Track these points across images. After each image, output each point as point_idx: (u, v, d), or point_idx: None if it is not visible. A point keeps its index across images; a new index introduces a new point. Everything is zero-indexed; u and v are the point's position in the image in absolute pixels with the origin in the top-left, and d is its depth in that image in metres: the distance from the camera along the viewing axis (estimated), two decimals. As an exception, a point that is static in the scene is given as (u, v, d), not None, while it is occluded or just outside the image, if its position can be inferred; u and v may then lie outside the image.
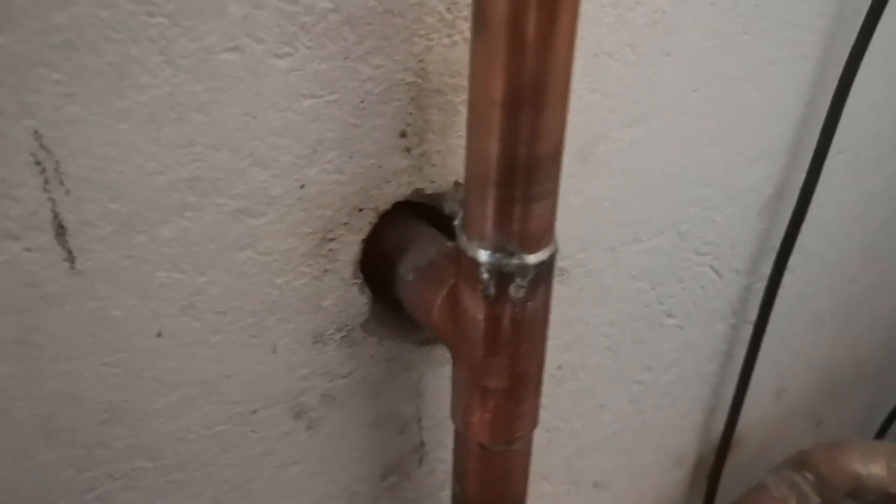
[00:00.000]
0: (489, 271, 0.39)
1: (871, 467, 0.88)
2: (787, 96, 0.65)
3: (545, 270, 0.40)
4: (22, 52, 0.30)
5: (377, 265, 0.48)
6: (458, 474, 0.49)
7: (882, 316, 1.01)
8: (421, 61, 0.41)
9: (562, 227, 0.55)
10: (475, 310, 0.40)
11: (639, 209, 0.59)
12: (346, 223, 0.43)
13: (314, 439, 0.49)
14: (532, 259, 0.39)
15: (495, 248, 0.38)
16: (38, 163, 0.32)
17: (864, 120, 0.74)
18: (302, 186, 0.40)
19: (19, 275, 0.34)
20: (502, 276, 0.39)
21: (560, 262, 0.57)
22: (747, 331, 0.79)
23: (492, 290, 0.39)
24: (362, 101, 0.40)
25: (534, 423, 0.46)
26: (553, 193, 0.39)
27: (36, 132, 0.31)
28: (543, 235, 0.39)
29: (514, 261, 0.39)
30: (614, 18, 0.48)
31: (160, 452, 0.43)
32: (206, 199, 0.37)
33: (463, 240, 0.39)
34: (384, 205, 0.44)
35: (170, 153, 0.35)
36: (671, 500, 0.88)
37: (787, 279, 0.80)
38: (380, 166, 0.42)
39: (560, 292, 0.58)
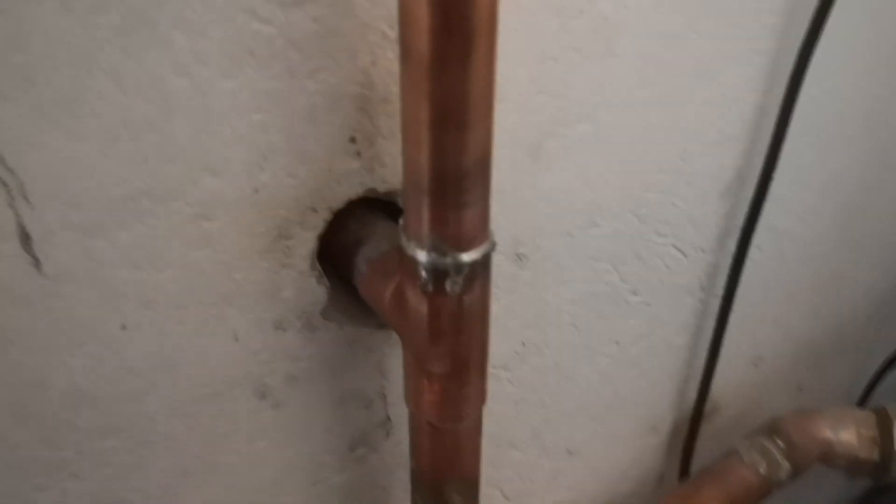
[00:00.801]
0: (427, 269, 0.42)
1: (841, 434, 0.91)
2: (742, 87, 0.67)
3: (479, 267, 0.43)
4: (-17, 88, 0.33)
5: (337, 256, 0.52)
6: (413, 450, 0.53)
7: (860, 289, 1.04)
8: (366, 74, 0.44)
9: (518, 217, 0.58)
10: (417, 303, 0.44)
11: (593, 197, 0.62)
12: (300, 222, 0.46)
13: (280, 416, 0.53)
14: (465, 258, 0.42)
15: (431, 249, 0.42)
16: (2, 181, 0.36)
17: (825, 103, 0.76)
18: (256, 191, 0.44)
19: (-8, 279, 0.38)
20: (438, 274, 0.42)
21: (519, 250, 0.60)
22: (717, 305, 0.82)
23: (430, 286, 0.43)
24: (310, 113, 0.43)
25: (479, 403, 0.50)
26: (482, 199, 0.42)
27: None
28: (476, 236, 0.43)
29: (449, 260, 0.42)
30: (558, 26, 0.51)
31: (129, 432, 0.47)
32: (162, 206, 0.41)
33: (403, 240, 0.43)
34: (337, 203, 0.48)
35: (125, 168, 0.38)
36: (648, 465, 0.92)
37: (757, 255, 0.83)
38: (330, 169, 0.46)
39: (520, 276, 0.62)
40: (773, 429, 0.91)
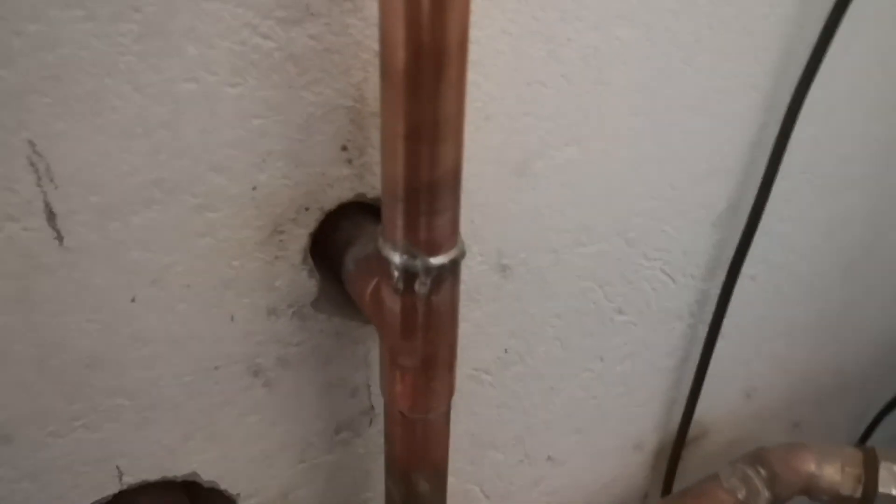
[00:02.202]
0: (399, 270, 0.47)
1: (826, 469, 0.93)
2: (737, 122, 0.71)
3: (448, 271, 0.48)
4: (19, 82, 0.39)
5: (329, 253, 0.57)
6: (387, 437, 0.58)
7: (864, 331, 1.06)
8: (358, 90, 0.49)
9: (502, 230, 0.63)
10: (391, 301, 0.49)
11: (580, 217, 0.66)
12: (294, 219, 0.52)
13: (271, 395, 0.58)
14: (434, 262, 0.47)
15: (403, 252, 0.47)
16: (32, 164, 0.41)
17: (824, 142, 0.80)
18: (254, 188, 0.49)
19: (19, 248, 0.44)
20: (409, 275, 0.47)
21: (503, 261, 0.65)
22: (706, 332, 0.85)
23: (401, 286, 0.48)
24: (306, 121, 0.48)
25: (447, 397, 0.55)
26: (452, 208, 0.47)
27: (30, 141, 0.41)
28: (445, 242, 0.47)
29: (419, 263, 0.47)
30: (546, 53, 0.56)
31: (136, 394, 0.52)
32: (170, 196, 0.46)
33: (380, 242, 0.48)
34: (329, 205, 0.53)
35: (139, 160, 0.44)
36: (631, 482, 0.95)
37: (751, 287, 0.87)
38: (323, 174, 0.51)
39: (503, 286, 0.66)
40: (757, 457, 0.93)
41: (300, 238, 0.53)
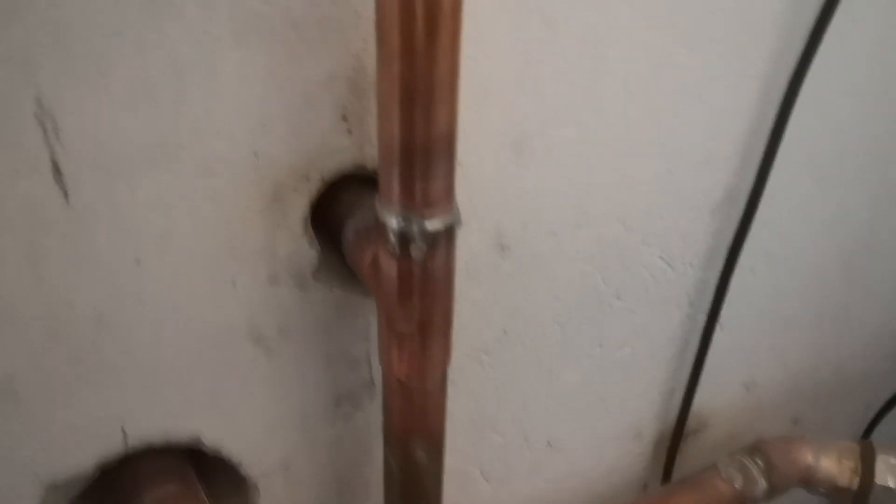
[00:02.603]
0: (395, 234, 0.48)
1: (822, 461, 0.94)
2: (733, 109, 0.72)
3: (443, 236, 0.49)
4: (26, 38, 0.41)
5: (331, 225, 0.58)
6: (385, 406, 0.59)
7: (865, 329, 1.07)
8: (358, 60, 0.51)
9: (501, 209, 0.64)
10: (387, 266, 0.50)
11: (578, 200, 0.67)
12: (294, 188, 0.53)
13: (272, 364, 0.60)
14: (429, 226, 0.48)
15: (400, 216, 0.48)
16: (39, 121, 0.43)
17: (822, 135, 0.80)
18: (255, 155, 0.51)
19: (26, 204, 0.45)
20: (405, 239, 0.48)
21: (502, 241, 0.66)
22: (704, 321, 0.86)
23: (397, 250, 0.49)
24: (306, 90, 0.50)
25: (443, 364, 0.56)
26: (447, 174, 0.48)
27: (37, 99, 0.43)
28: (440, 207, 0.49)
29: (415, 227, 0.48)
30: (545, 32, 0.57)
31: (140, 356, 0.54)
32: (173, 158, 0.48)
33: (378, 207, 0.49)
34: (329, 175, 0.54)
35: (143, 122, 0.46)
36: (631, 470, 0.96)
37: (750, 279, 0.87)
38: (323, 143, 0.53)
39: (502, 266, 0.67)
40: (755, 449, 0.94)
41: (301, 207, 0.54)
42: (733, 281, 0.84)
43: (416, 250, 0.49)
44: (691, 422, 0.98)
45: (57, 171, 0.45)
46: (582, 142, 0.65)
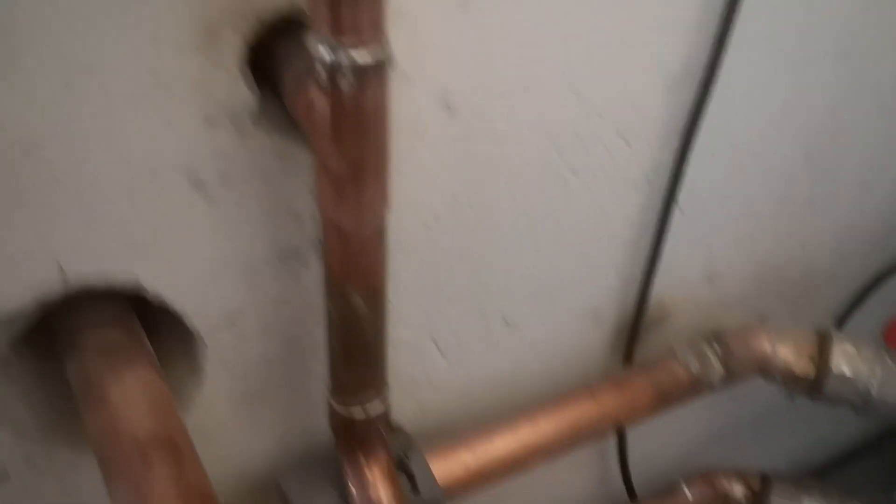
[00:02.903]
0: (323, 66, 0.48)
1: (780, 349, 0.96)
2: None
3: (373, 71, 0.50)
4: None
5: (269, 71, 0.59)
6: (324, 254, 0.59)
7: (831, 223, 1.07)
8: None
9: (446, 66, 0.64)
10: (318, 101, 0.51)
11: (527, 62, 0.67)
12: (230, 26, 0.53)
13: (213, 211, 0.60)
14: (357, 57, 0.48)
15: (329, 47, 0.48)
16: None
17: (785, 12, 0.80)
18: (186, -14, 0.51)
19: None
20: (333, 71, 0.49)
21: (448, 100, 0.66)
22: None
23: (326, 83, 0.49)
24: (237, -80, 0.50)
25: (380, 209, 0.56)
26: (376, 5, 0.48)
27: None
28: (368, 40, 0.48)
29: (343, 57, 0.48)
30: None
31: (75, 189, 0.54)
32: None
33: (308, 40, 0.49)
34: (266, 15, 0.54)
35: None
36: (591, 356, 0.97)
37: (710, 164, 0.88)
38: (257, -21, 0.52)
39: (450, 127, 0.67)
40: (714, 336, 0.96)
41: (236, 46, 0.54)
42: (693, 163, 0.84)
43: (346, 84, 0.49)
44: (654, 311, 0.99)
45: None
46: (526, 3, 0.64)
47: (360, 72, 0.49)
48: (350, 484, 0.72)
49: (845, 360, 0.93)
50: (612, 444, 1.10)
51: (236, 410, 0.73)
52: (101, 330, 0.61)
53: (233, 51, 0.55)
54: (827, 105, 0.92)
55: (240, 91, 0.56)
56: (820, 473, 1.43)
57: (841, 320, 1.18)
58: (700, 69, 0.77)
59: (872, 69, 0.91)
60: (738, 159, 0.89)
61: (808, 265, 1.09)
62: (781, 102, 0.88)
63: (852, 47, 0.88)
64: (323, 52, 0.48)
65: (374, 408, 0.68)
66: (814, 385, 0.95)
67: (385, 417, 0.70)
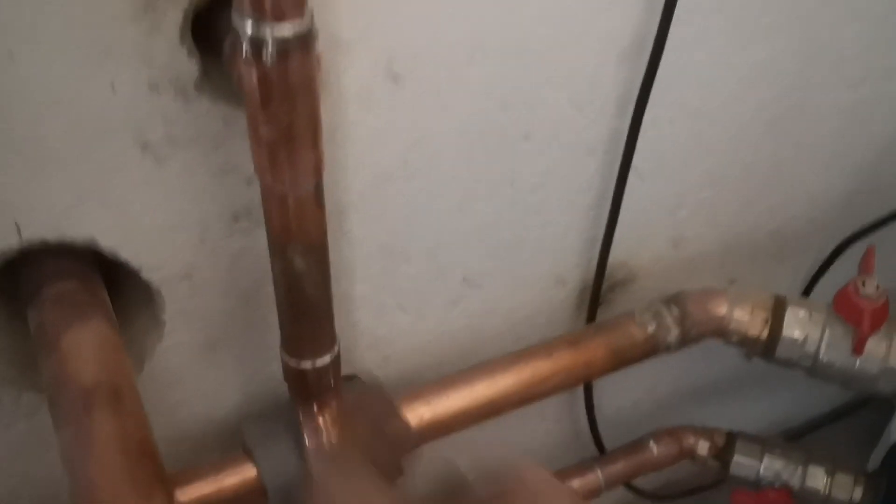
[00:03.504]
0: (246, 40, 0.52)
1: (736, 311, 0.98)
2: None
3: (295, 44, 0.52)
4: None
5: (211, 39, 0.62)
6: (265, 215, 0.63)
7: (798, 190, 1.08)
8: None
9: (390, 33, 0.66)
10: (245, 72, 0.54)
11: (471, 28, 0.70)
12: (167, -5, 0.57)
13: (163, 171, 0.64)
14: (277, 31, 0.51)
15: (252, 21, 0.51)
16: None
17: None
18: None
19: None
20: (255, 44, 0.52)
21: (393, 68, 0.69)
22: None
23: (250, 56, 0.52)
24: None
25: (314, 173, 0.60)
26: (297, -22, 0.51)
27: None
28: (292, 14, 0.51)
29: (266, 33, 0.51)
30: None
31: (25, 149, 0.57)
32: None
33: (233, 14, 0.52)
34: (205, -16, 0.57)
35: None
36: (555, 317, 1.01)
37: (669, 130, 0.90)
38: (195, -51, 0.55)
39: (397, 94, 0.70)
40: (673, 299, 0.98)
41: (175, 13, 0.57)
42: (649, 131, 0.86)
43: (268, 56, 0.52)
44: (619, 272, 1.02)
45: None
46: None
47: (283, 44, 0.52)
48: (304, 431, 0.76)
49: (797, 324, 0.96)
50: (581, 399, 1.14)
51: (198, 360, 0.77)
52: (60, 282, 0.65)
53: (171, 18, 0.58)
54: (792, 75, 0.94)
55: (181, 58, 0.60)
56: (796, 436, 1.46)
57: (810, 285, 1.20)
58: (651, 40, 0.79)
59: (832, 40, 0.92)
60: (696, 127, 0.91)
61: (777, 231, 1.11)
62: (744, 71, 0.89)
63: (813, 16, 0.89)
64: (246, 26, 0.51)
65: (323, 360, 0.71)
66: (767, 347, 0.97)
67: (335, 368, 0.74)
